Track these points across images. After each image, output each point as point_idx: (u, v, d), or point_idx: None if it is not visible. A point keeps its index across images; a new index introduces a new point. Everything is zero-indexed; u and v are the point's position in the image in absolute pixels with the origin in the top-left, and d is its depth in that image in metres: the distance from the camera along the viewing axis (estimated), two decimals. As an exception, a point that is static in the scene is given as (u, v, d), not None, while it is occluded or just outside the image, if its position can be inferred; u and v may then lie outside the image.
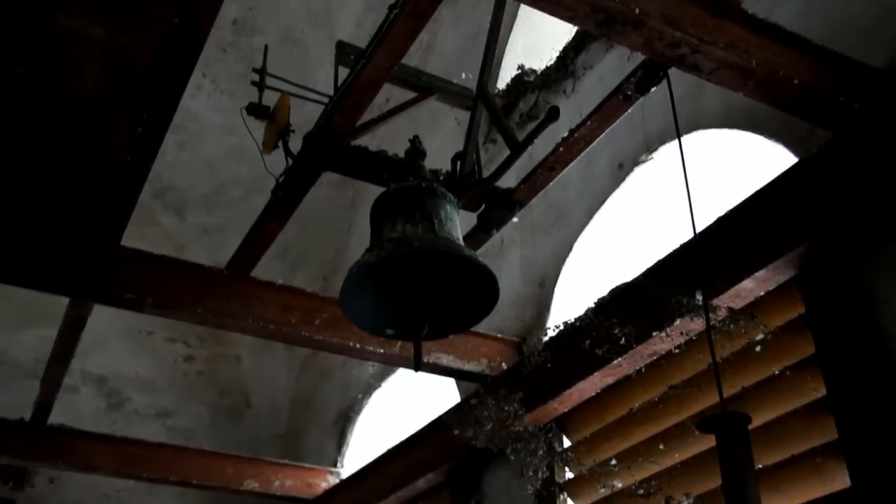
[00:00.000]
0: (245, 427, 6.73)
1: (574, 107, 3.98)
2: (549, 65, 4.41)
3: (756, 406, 2.55)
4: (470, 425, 3.50)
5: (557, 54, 4.38)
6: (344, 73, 3.01)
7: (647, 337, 2.85)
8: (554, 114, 2.64)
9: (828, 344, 2.39)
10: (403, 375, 5.07)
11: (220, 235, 6.57)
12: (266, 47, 3.01)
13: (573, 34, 4.31)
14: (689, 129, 3.26)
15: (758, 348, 2.57)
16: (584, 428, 3.34)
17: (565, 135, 2.76)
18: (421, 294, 2.69)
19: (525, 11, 4.88)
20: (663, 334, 2.82)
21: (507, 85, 4.78)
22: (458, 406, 3.78)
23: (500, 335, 3.88)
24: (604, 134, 2.85)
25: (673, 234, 3.49)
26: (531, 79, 4.60)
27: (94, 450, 4.66)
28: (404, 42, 2.33)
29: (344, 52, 3.05)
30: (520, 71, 4.75)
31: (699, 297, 2.66)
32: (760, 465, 2.43)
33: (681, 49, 2.09)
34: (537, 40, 4.95)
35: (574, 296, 3.73)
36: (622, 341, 2.91)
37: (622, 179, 3.59)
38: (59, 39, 2.32)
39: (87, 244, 3.09)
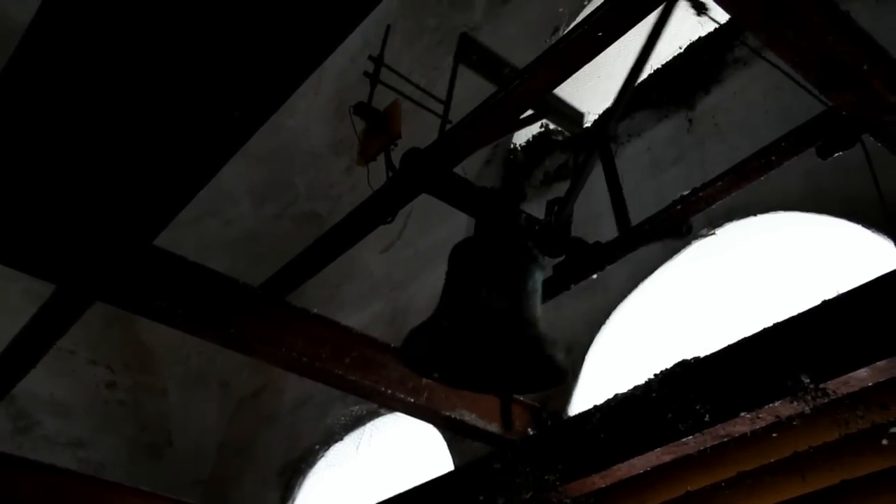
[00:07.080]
0: (163, 467, 6.13)
1: (614, 172, 3.87)
2: (585, 126, 4.31)
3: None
4: (500, 493, 3.21)
5: (595, 118, 4.28)
6: (465, 72, 2.77)
7: (733, 416, 2.69)
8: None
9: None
10: (375, 428, 4.72)
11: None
12: (388, 28, 2.65)
13: (616, 98, 4.23)
14: (765, 210, 3.20)
15: (884, 441, 2.45)
16: (622, 507, 3.13)
17: (686, 192, 2.61)
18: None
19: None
20: (751, 415, 2.67)
21: (528, 141, 4.66)
22: (475, 469, 3.48)
23: (520, 398, 3.65)
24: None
25: (729, 317, 3.40)
26: (559, 138, 4.49)
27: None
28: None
29: (467, 49, 2.79)
30: (543, 129, 4.64)
31: (806, 380, 2.53)
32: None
33: (886, 116, 1.99)
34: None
35: (611, 367, 3.56)
36: (706, 418, 2.73)
37: (677, 251, 3.48)
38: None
39: (117, 236, 2.67)
